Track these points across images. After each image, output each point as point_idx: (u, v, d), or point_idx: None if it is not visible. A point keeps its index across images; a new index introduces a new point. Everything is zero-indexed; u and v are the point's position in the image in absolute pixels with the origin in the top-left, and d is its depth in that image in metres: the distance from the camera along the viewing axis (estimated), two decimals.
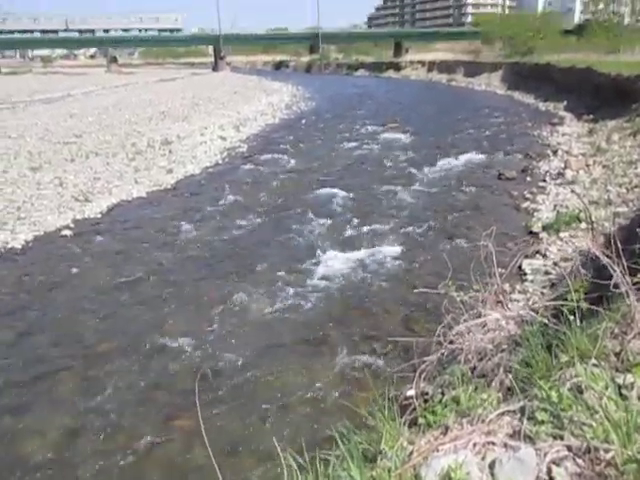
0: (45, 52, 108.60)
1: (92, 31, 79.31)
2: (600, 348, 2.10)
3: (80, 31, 78.88)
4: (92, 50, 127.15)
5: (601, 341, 2.14)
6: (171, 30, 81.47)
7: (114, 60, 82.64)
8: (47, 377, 5.62)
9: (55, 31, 78.36)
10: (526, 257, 7.77)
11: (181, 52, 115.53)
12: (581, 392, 1.90)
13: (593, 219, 7.95)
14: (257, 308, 7.01)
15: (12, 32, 76.82)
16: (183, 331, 6.43)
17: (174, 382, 5.49)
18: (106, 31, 79.41)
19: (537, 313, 3.56)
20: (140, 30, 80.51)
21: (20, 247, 9.20)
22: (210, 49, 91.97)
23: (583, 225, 8.48)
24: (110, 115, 25.46)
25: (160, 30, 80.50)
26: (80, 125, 22.05)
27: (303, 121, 25.02)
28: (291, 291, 7.42)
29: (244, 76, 63.42)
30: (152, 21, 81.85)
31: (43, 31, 78.26)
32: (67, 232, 9.88)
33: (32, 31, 78.38)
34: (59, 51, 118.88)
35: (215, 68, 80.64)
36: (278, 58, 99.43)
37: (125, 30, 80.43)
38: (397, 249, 8.84)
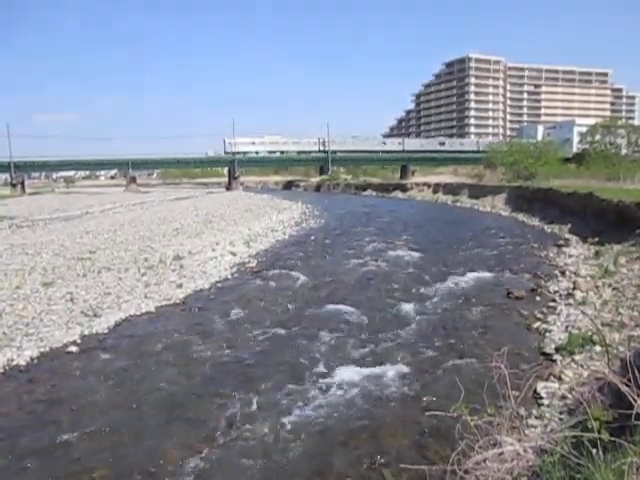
0: (69, 173, 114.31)
1: None
2: None
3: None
4: (113, 171, 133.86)
5: (627, 477, 2.02)
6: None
7: (133, 180, 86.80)
8: None
9: None
10: (540, 379, 7.55)
11: (197, 172, 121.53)
12: None
13: (608, 342, 7.82)
14: (260, 430, 6.73)
15: None
16: (183, 455, 6.13)
17: None
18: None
19: (556, 442, 3.40)
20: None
21: (24, 364, 9.06)
22: (225, 170, 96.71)
23: (598, 348, 8.32)
24: (125, 232, 26.23)
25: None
26: (95, 241, 22.66)
27: (312, 237, 25.54)
28: (296, 412, 7.16)
29: (256, 195, 65.97)
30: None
31: None
32: (73, 348, 9.79)
33: None
34: (81, 172, 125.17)
35: (229, 187, 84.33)
36: (289, 178, 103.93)
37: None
38: (406, 368, 8.62)
